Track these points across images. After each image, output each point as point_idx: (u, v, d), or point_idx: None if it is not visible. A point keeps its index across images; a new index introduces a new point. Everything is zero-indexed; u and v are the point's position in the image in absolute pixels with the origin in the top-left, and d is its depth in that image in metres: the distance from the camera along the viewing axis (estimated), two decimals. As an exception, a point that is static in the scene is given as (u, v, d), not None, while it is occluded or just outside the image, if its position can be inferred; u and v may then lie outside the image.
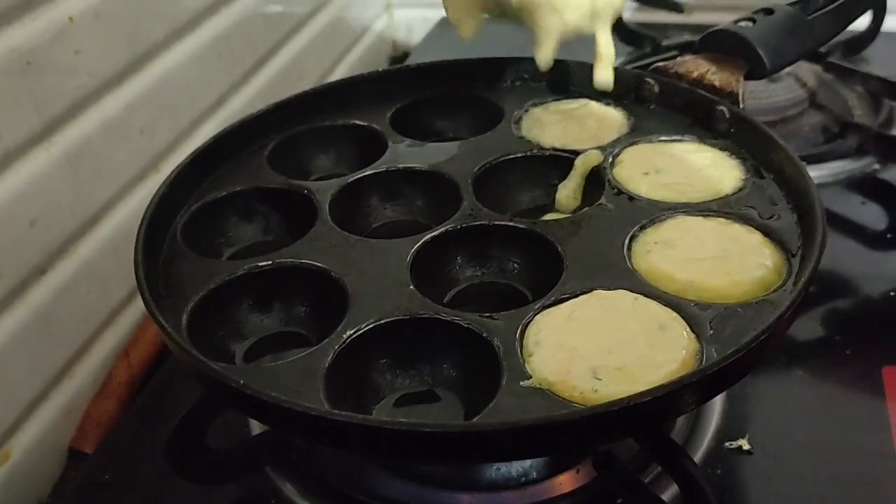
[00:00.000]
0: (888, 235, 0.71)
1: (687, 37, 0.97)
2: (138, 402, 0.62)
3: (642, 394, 0.39)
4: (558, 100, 0.66)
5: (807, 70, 0.88)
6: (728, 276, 0.48)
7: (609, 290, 0.47)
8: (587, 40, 0.59)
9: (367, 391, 0.47)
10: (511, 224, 0.54)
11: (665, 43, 0.97)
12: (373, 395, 0.47)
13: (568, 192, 0.58)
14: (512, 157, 0.60)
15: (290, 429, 0.43)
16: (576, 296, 0.47)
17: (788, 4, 0.67)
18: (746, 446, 0.52)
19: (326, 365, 0.44)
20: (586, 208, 0.55)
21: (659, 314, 0.46)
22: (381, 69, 0.71)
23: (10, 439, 0.57)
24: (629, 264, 0.49)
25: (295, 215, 0.57)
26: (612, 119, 0.63)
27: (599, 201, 0.55)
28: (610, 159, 0.59)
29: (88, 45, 0.62)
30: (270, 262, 0.51)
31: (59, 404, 0.61)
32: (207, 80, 0.77)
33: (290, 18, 0.92)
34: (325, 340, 0.45)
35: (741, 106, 0.61)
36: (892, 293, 0.64)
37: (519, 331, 0.45)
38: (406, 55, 1.17)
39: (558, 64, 0.61)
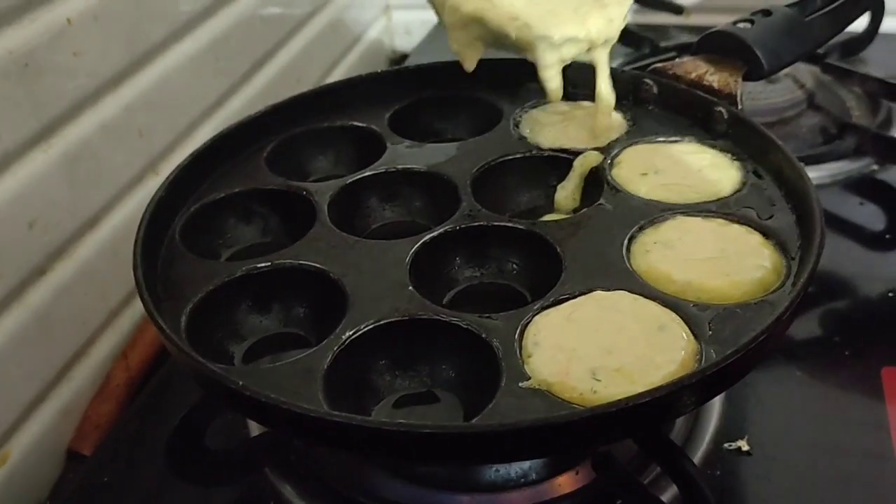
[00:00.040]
0: (887, 236, 0.71)
1: (685, 38, 0.97)
2: (137, 403, 0.62)
3: (641, 395, 0.39)
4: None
5: (805, 71, 0.88)
6: (727, 276, 0.48)
7: (608, 290, 0.47)
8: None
9: (366, 392, 0.47)
10: (510, 225, 0.54)
11: (663, 44, 0.97)
12: (372, 396, 0.47)
13: (567, 192, 0.58)
14: (511, 157, 0.60)
15: (289, 430, 0.43)
16: (575, 296, 0.47)
17: (786, 6, 0.67)
18: (745, 447, 0.52)
19: (325, 366, 0.44)
20: (585, 209, 0.55)
21: (658, 315, 0.46)
22: (379, 70, 0.71)
23: (8, 441, 0.57)
24: (628, 265, 0.49)
25: (294, 216, 0.57)
26: (611, 120, 0.63)
27: (598, 202, 0.55)
28: (609, 160, 0.59)
29: (87, 47, 0.62)
30: (269, 264, 0.51)
31: (58, 406, 0.61)
32: (206, 82, 0.77)
33: (288, 20, 0.92)
34: (325, 341, 0.45)
35: (739, 107, 0.61)
36: (890, 294, 0.64)
37: (518, 332, 0.45)
38: (405, 57, 1.17)
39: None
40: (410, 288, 0.48)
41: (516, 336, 0.45)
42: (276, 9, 0.89)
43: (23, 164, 0.57)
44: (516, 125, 0.64)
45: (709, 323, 0.45)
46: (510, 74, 0.68)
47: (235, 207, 0.58)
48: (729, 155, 0.58)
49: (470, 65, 0.61)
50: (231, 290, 0.50)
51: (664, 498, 0.48)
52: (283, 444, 0.54)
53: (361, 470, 0.52)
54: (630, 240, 0.51)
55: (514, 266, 0.54)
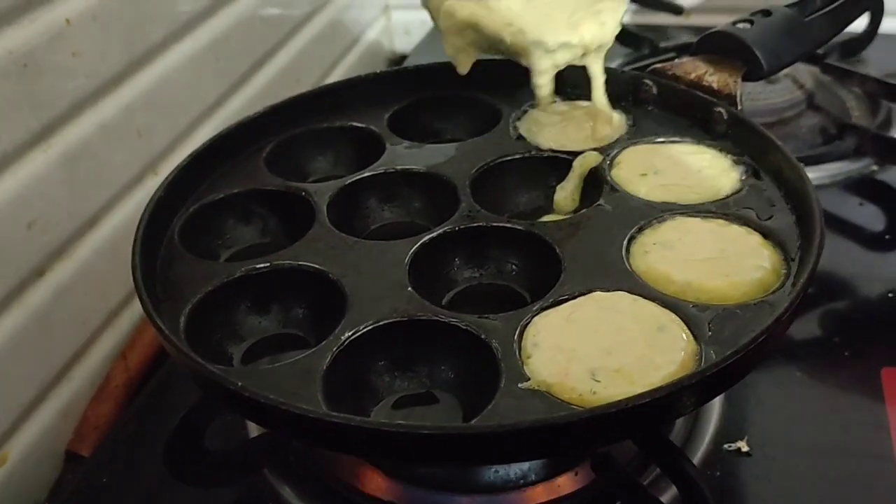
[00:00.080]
0: (886, 236, 0.71)
1: (685, 38, 0.97)
2: (136, 404, 0.62)
3: (641, 395, 0.39)
4: (556, 101, 0.66)
5: (804, 72, 0.88)
6: (726, 277, 0.48)
7: (607, 291, 0.47)
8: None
9: (365, 393, 0.47)
10: (509, 225, 0.54)
11: (663, 44, 0.97)
12: (371, 397, 0.47)
13: (566, 193, 0.58)
14: (510, 158, 0.60)
15: (288, 431, 0.43)
16: (574, 297, 0.47)
17: (786, 6, 0.67)
18: (745, 448, 0.52)
19: (324, 367, 0.44)
20: (584, 209, 0.55)
21: (657, 315, 0.46)
22: (379, 71, 0.71)
23: (7, 442, 0.57)
24: (627, 265, 0.49)
25: (293, 217, 0.57)
26: (612, 124, 0.63)
27: (598, 202, 0.55)
28: (608, 160, 0.59)
29: (86, 47, 0.62)
30: (268, 264, 0.51)
31: (57, 407, 0.61)
32: (205, 83, 0.77)
33: (287, 20, 0.92)
34: (324, 342, 0.45)
35: (739, 107, 0.61)
36: (890, 294, 0.64)
37: (517, 332, 0.45)
38: (404, 57, 1.17)
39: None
40: (409, 289, 0.48)
41: (515, 337, 0.45)
42: (276, 9, 0.89)
43: (22, 164, 0.57)
44: (515, 126, 0.64)
45: (708, 323, 0.45)
46: (509, 75, 0.68)
47: (234, 208, 0.58)
48: (728, 155, 0.58)
49: (464, 69, 0.62)
50: (230, 290, 0.50)
51: (664, 499, 0.48)
52: (282, 445, 0.54)
53: (361, 471, 0.51)
54: (629, 240, 0.51)
55: (514, 267, 0.54)
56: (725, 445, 0.53)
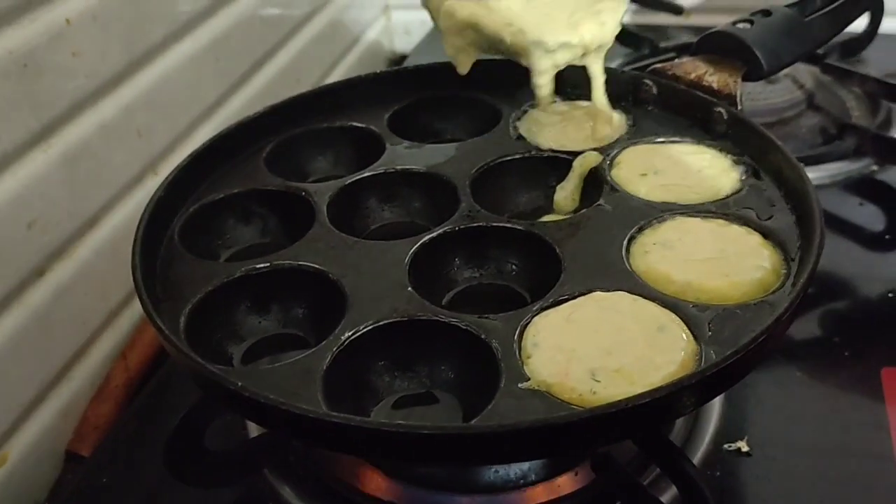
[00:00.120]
0: (886, 236, 0.71)
1: (685, 38, 0.97)
2: (136, 404, 0.62)
3: (641, 395, 0.39)
4: (556, 101, 0.66)
5: (804, 72, 0.88)
6: (726, 277, 0.48)
7: (607, 291, 0.47)
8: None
9: (365, 393, 0.47)
10: (509, 225, 0.54)
11: (663, 45, 0.97)
12: (371, 397, 0.47)
13: (566, 193, 0.58)
14: (510, 158, 0.60)
15: (288, 431, 0.43)
16: (574, 297, 0.47)
17: (786, 6, 0.67)
18: (745, 448, 0.52)
19: (324, 367, 0.44)
20: (584, 209, 0.55)
21: (657, 315, 0.46)
22: (379, 71, 0.71)
23: (7, 442, 0.57)
24: (627, 266, 0.49)
25: (293, 217, 0.57)
26: (612, 124, 0.63)
27: (598, 202, 0.55)
28: (608, 160, 0.59)
29: (86, 47, 0.62)
30: (268, 264, 0.51)
31: (57, 407, 0.61)
32: (205, 83, 0.77)
33: (288, 20, 0.92)
34: (324, 342, 0.45)
35: (739, 107, 0.61)
36: (890, 294, 0.64)
37: (517, 332, 0.45)
38: (404, 57, 1.17)
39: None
40: (409, 289, 0.48)
41: (515, 337, 0.45)
42: (276, 9, 0.89)
43: (22, 164, 0.57)
44: (515, 126, 0.64)
45: (708, 323, 0.45)
46: (510, 75, 0.68)
47: (234, 208, 0.58)
48: (728, 155, 0.58)
49: (464, 69, 0.62)
50: (230, 290, 0.50)
51: (664, 499, 0.48)
52: (282, 445, 0.54)
53: (361, 471, 0.51)
54: (629, 240, 0.51)
55: (514, 267, 0.54)
56: (725, 445, 0.53)
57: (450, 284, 0.53)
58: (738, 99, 0.61)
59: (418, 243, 0.52)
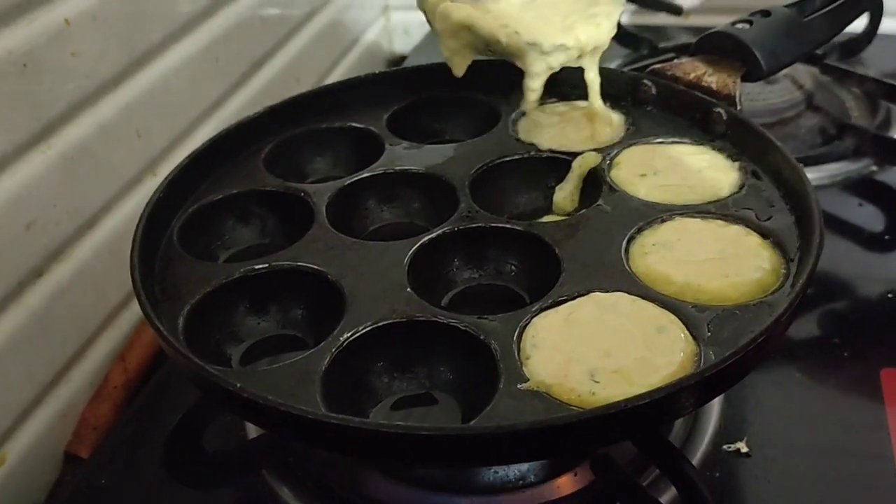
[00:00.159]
0: (886, 237, 0.71)
1: (684, 39, 0.97)
2: (134, 405, 0.62)
3: (640, 396, 0.39)
4: (555, 102, 0.66)
5: (804, 72, 0.88)
6: (726, 278, 0.48)
7: (607, 292, 0.47)
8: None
9: (364, 394, 0.47)
10: (508, 226, 0.54)
11: (662, 45, 0.97)
12: (370, 398, 0.47)
13: (565, 193, 0.58)
14: (509, 159, 0.60)
15: (286, 432, 0.43)
16: (573, 298, 0.47)
17: (785, 6, 0.67)
18: (744, 449, 0.52)
19: (323, 368, 0.44)
20: (584, 210, 0.55)
21: (657, 316, 0.46)
22: (378, 71, 0.70)
23: (5, 444, 0.57)
24: (627, 266, 0.49)
25: (292, 218, 0.57)
26: (612, 124, 0.63)
27: (597, 203, 0.55)
28: (607, 161, 0.59)
29: (85, 48, 0.61)
30: (267, 265, 0.51)
31: (55, 408, 0.61)
32: (204, 83, 0.77)
33: (287, 21, 0.92)
34: (322, 343, 0.45)
35: (738, 108, 0.61)
36: (889, 295, 0.64)
37: (516, 333, 0.45)
38: (403, 58, 1.17)
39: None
40: (409, 289, 0.48)
41: (514, 338, 0.45)
42: (275, 10, 0.89)
43: (21, 164, 0.57)
44: (514, 126, 0.64)
45: (708, 324, 0.45)
46: (508, 76, 0.68)
47: (233, 209, 0.58)
48: (728, 156, 0.58)
49: (459, 71, 0.62)
50: (229, 291, 0.50)
51: (663, 500, 0.48)
52: (280, 447, 0.54)
53: (359, 472, 0.51)
54: (629, 241, 0.51)
55: (513, 267, 0.53)
56: (725, 446, 0.52)
57: (449, 285, 0.53)
58: (737, 99, 0.61)
59: (417, 244, 0.52)
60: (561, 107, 0.65)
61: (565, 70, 0.60)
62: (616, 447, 0.50)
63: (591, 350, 0.44)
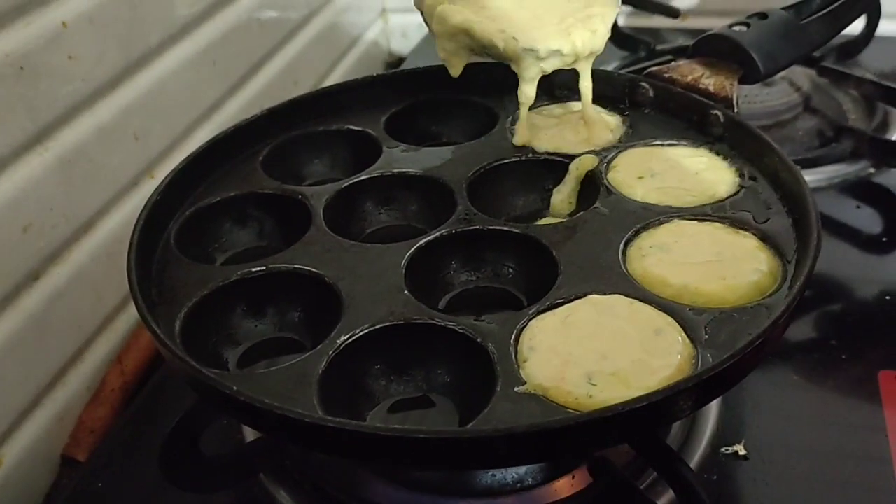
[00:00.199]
0: (883, 239, 0.71)
1: (681, 41, 0.97)
2: (131, 409, 0.61)
3: (637, 399, 0.39)
4: (553, 104, 0.66)
5: (801, 74, 0.88)
6: (723, 280, 0.48)
7: (604, 294, 0.47)
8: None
9: (361, 397, 0.47)
10: (506, 228, 0.54)
11: (659, 47, 0.97)
12: (367, 401, 0.47)
13: (563, 196, 0.58)
14: (506, 161, 0.60)
15: (283, 435, 0.43)
16: (570, 300, 0.47)
17: (783, 9, 0.67)
18: (742, 451, 0.52)
19: (320, 371, 0.44)
20: (581, 213, 0.55)
21: (654, 319, 0.46)
22: (375, 74, 0.70)
23: (2, 447, 0.57)
24: (624, 269, 0.49)
25: (289, 220, 0.56)
26: (609, 127, 0.63)
27: (594, 205, 0.55)
28: (605, 163, 0.59)
29: (82, 51, 0.61)
30: (264, 268, 0.51)
31: (52, 411, 0.61)
32: (202, 86, 0.77)
33: (285, 24, 0.92)
34: (319, 346, 0.45)
35: (735, 110, 0.61)
36: (887, 297, 0.64)
37: (513, 336, 0.45)
38: (401, 60, 1.17)
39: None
40: (406, 292, 0.48)
41: (512, 340, 0.45)
42: (273, 12, 0.89)
43: (18, 167, 0.57)
44: (512, 129, 0.64)
45: (705, 327, 0.45)
46: (506, 78, 0.68)
47: (231, 211, 0.58)
48: (725, 158, 0.58)
49: (455, 72, 0.62)
50: (226, 294, 0.50)
51: (661, 503, 0.48)
52: (277, 450, 0.54)
53: (357, 475, 0.51)
54: (626, 243, 0.51)
55: (510, 270, 0.53)
56: (722, 449, 0.52)
57: (446, 288, 0.53)
58: (734, 102, 0.61)
59: (415, 246, 0.52)
60: (558, 109, 0.65)
61: (563, 73, 0.60)
62: (614, 450, 0.50)
63: (588, 353, 0.44)
